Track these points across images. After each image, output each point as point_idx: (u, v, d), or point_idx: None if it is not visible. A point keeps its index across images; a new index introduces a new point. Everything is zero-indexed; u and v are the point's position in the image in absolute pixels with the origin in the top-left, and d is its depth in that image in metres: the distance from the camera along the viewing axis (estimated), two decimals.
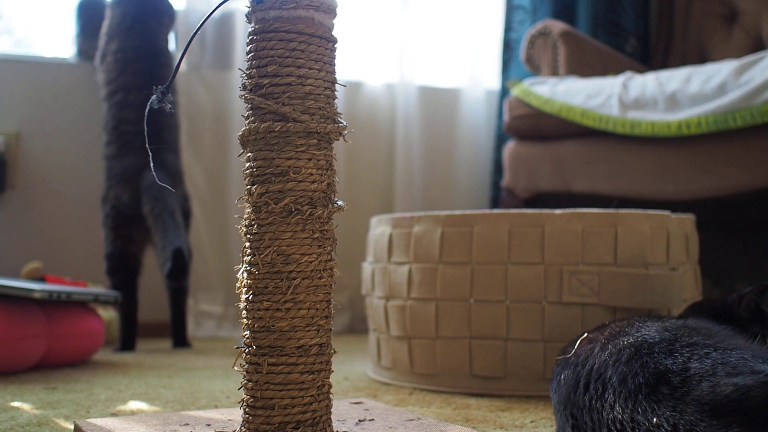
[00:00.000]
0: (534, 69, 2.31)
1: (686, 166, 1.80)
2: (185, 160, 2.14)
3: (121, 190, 1.83)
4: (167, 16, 2.01)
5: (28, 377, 1.42)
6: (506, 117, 2.13)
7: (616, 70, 2.19)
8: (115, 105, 1.89)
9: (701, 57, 2.49)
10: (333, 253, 0.83)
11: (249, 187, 0.81)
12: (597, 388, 0.78)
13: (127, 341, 1.84)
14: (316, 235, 0.80)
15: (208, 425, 0.90)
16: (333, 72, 0.82)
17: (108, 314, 1.99)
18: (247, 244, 0.81)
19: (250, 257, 0.80)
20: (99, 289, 1.97)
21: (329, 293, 0.82)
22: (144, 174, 1.80)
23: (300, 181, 0.79)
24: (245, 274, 0.81)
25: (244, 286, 0.81)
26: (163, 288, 1.97)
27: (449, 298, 1.29)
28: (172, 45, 2.05)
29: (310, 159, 0.80)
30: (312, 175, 0.80)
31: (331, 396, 0.83)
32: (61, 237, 2.21)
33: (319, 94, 0.80)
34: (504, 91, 2.52)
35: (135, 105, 1.86)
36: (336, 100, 0.83)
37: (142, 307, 1.94)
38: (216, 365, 1.61)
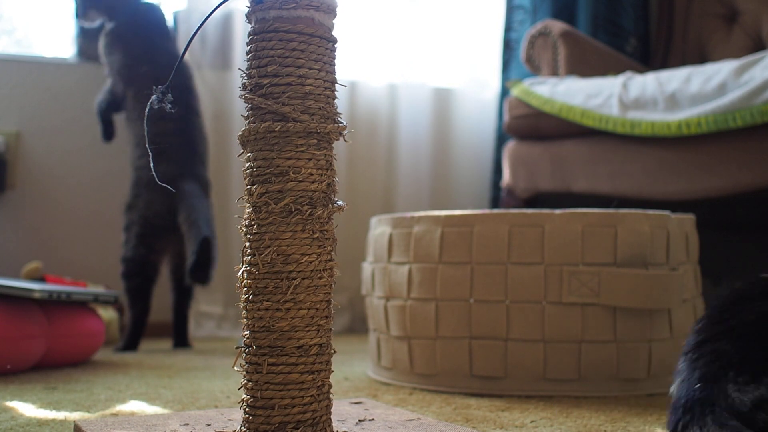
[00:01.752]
0: (534, 69, 2.31)
1: (686, 166, 1.80)
2: None
3: (153, 198, 1.85)
4: (167, 26, 2.03)
5: (28, 377, 1.42)
6: (506, 117, 2.13)
7: (616, 70, 2.19)
8: (147, 119, 1.90)
9: (701, 57, 2.49)
10: (333, 253, 0.83)
11: (249, 187, 0.81)
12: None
13: (132, 342, 1.85)
14: (316, 235, 0.80)
15: (208, 425, 0.90)
16: (333, 72, 0.82)
17: (108, 314, 1.99)
18: (247, 244, 0.81)
19: (250, 257, 0.80)
20: (99, 289, 1.97)
21: (329, 293, 0.82)
22: (178, 182, 1.82)
23: (300, 181, 0.79)
24: (245, 274, 0.81)
25: (244, 286, 0.81)
26: (164, 289, 1.97)
27: (449, 298, 1.29)
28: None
29: (310, 159, 0.80)
30: (312, 175, 0.80)
31: (331, 396, 0.84)
32: (61, 237, 2.21)
33: (319, 94, 0.80)
34: (504, 91, 2.52)
35: (167, 117, 1.88)
36: (336, 100, 0.83)
37: None
38: (216, 365, 1.61)
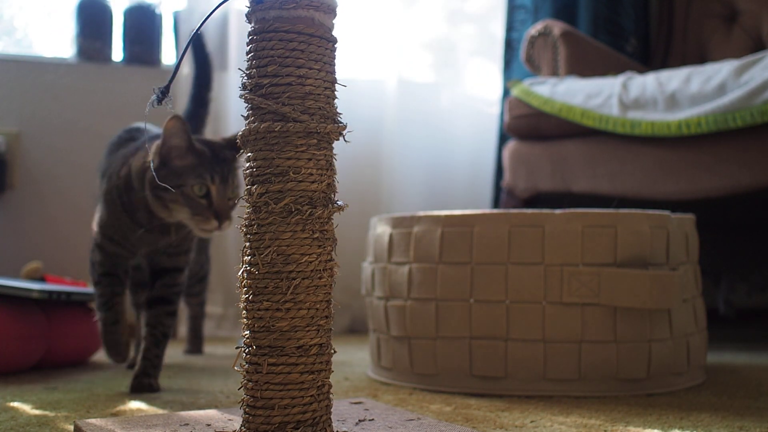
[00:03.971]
0: (534, 69, 2.31)
1: (686, 166, 1.80)
2: None
3: None
4: None
5: (28, 377, 1.42)
6: (506, 117, 2.12)
7: (616, 70, 2.19)
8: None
9: (701, 57, 2.49)
10: (333, 253, 0.83)
11: (249, 187, 0.81)
12: None
13: None
14: (316, 235, 0.80)
15: (208, 425, 0.90)
16: (333, 72, 0.83)
17: None
18: (247, 244, 0.81)
19: (250, 257, 0.80)
20: None
21: (329, 293, 0.82)
22: None
23: (300, 181, 0.79)
24: (245, 274, 0.81)
25: (244, 286, 0.81)
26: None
27: (449, 298, 1.29)
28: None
29: (310, 159, 0.80)
30: (312, 175, 0.80)
31: (331, 396, 0.84)
32: (61, 237, 2.21)
33: (319, 94, 0.81)
34: (505, 91, 2.52)
35: None
36: (336, 100, 0.83)
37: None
38: (216, 365, 1.61)
